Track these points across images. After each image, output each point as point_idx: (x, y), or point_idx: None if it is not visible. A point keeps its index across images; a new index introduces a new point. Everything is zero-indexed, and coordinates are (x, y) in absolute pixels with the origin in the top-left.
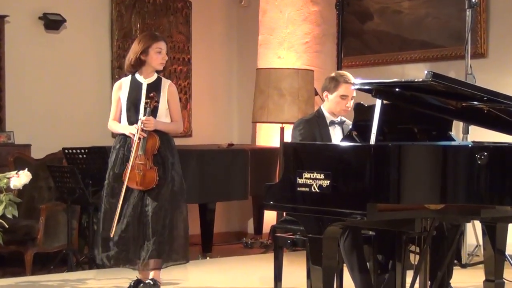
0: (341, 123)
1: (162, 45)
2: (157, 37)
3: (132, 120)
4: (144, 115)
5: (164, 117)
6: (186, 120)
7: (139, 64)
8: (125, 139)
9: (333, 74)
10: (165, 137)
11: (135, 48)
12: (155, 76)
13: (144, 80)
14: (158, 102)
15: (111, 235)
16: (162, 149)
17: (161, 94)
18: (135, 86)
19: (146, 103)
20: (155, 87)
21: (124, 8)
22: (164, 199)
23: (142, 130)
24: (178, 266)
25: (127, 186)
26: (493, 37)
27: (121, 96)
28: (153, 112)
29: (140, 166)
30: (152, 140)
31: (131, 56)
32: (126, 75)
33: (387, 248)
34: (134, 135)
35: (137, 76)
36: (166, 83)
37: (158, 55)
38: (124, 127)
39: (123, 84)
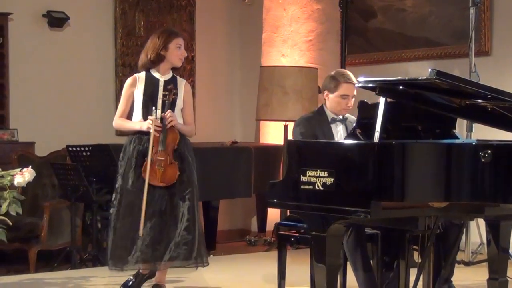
0: (343, 120)
1: (181, 41)
2: (176, 33)
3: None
4: (163, 108)
5: (178, 117)
6: None
7: (158, 60)
8: (140, 138)
9: (333, 73)
10: (181, 134)
11: (154, 43)
12: (170, 74)
13: (161, 77)
14: (176, 95)
15: (140, 235)
16: (180, 145)
17: (178, 92)
18: (151, 82)
19: (164, 95)
20: (171, 84)
21: (127, 6)
22: (188, 197)
23: (159, 125)
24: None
25: (149, 184)
26: (497, 35)
27: (136, 92)
28: (171, 107)
29: (161, 162)
30: (172, 135)
31: (149, 52)
32: (138, 71)
33: (391, 247)
34: (150, 128)
35: (153, 72)
36: (182, 82)
37: (178, 50)
38: (137, 124)
39: (138, 80)
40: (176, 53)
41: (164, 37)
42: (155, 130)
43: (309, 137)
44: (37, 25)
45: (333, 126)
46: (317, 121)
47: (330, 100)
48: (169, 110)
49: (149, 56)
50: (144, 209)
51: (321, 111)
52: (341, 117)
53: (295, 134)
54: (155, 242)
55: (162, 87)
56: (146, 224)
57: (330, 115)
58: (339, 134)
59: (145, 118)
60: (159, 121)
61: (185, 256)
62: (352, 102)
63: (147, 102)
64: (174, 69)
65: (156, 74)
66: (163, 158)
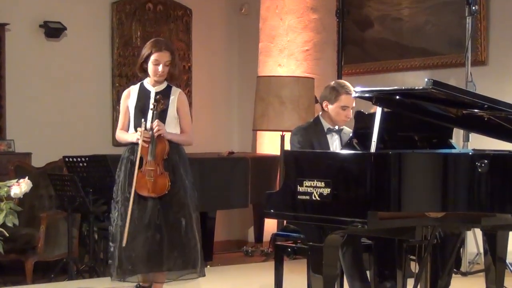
0: (339, 131)
1: (159, 56)
2: (159, 48)
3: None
4: (152, 118)
5: (173, 127)
6: None
7: (142, 71)
8: (133, 148)
9: (333, 84)
10: (173, 144)
11: (140, 54)
12: (164, 84)
13: (153, 88)
14: (165, 105)
15: (123, 244)
16: (172, 155)
17: (170, 101)
18: (143, 94)
19: (153, 105)
20: (164, 95)
21: (124, 16)
22: (181, 209)
23: (147, 136)
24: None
25: (140, 195)
26: (493, 44)
27: (129, 104)
28: (161, 118)
29: (150, 172)
30: (161, 145)
31: (138, 60)
32: (134, 83)
33: (388, 257)
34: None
35: (146, 83)
36: (176, 91)
37: (155, 67)
38: (130, 135)
39: (132, 92)
40: (152, 68)
41: (146, 49)
42: (143, 141)
43: (307, 146)
44: (34, 35)
45: (328, 136)
46: (313, 131)
47: (330, 111)
48: (156, 120)
49: (137, 64)
50: (128, 219)
51: (317, 122)
52: (336, 128)
53: (292, 143)
54: (151, 254)
55: (153, 98)
56: (141, 236)
57: (326, 126)
58: (335, 144)
59: (136, 130)
60: (148, 132)
61: (182, 267)
62: (351, 113)
63: (138, 114)
64: (174, 81)
65: (148, 86)
66: (152, 168)
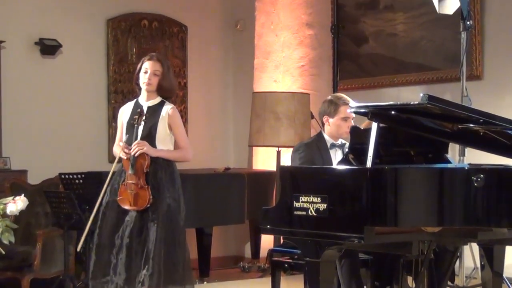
0: (341, 146)
1: (149, 65)
2: (149, 57)
3: (129, 143)
4: (132, 131)
5: (166, 143)
6: None
7: (138, 85)
8: (119, 159)
9: (330, 98)
10: (161, 160)
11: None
12: (158, 99)
13: (146, 103)
14: (155, 120)
15: (78, 249)
16: (157, 171)
17: (160, 117)
18: (136, 109)
19: (133, 119)
20: (155, 110)
21: (120, 33)
22: (162, 222)
23: (127, 150)
24: None
25: (122, 208)
26: (488, 59)
27: (123, 120)
28: (150, 133)
29: (131, 185)
30: (141, 158)
31: (134, 75)
32: (129, 99)
33: (385, 272)
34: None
35: (140, 99)
36: (167, 107)
37: (144, 75)
38: (117, 149)
39: (126, 108)
40: (141, 76)
41: (140, 62)
42: (123, 155)
43: (308, 162)
44: (29, 52)
45: (331, 152)
46: (316, 147)
47: (331, 124)
48: (136, 141)
49: (133, 79)
50: (88, 225)
51: (320, 137)
52: (339, 142)
53: (294, 160)
54: (127, 267)
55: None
56: (117, 251)
57: (329, 141)
58: (338, 159)
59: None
60: (128, 146)
61: (156, 283)
62: (352, 124)
63: (129, 129)
64: (167, 95)
65: (142, 101)
66: (133, 182)
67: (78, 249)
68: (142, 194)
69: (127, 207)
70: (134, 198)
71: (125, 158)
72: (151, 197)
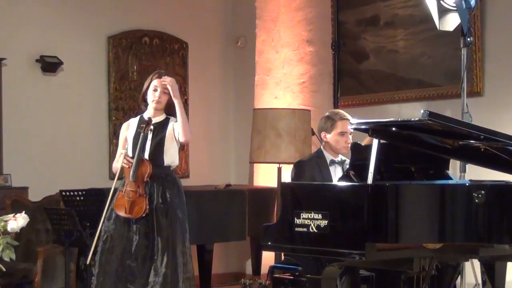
0: (341, 163)
1: (158, 83)
2: (158, 74)
3: (132, 155)
4: (140, 142)
5: (172, 152)
6: (184, 161)
7: (144, 102)
8: (121, 170)
9: (327, 114)
10: (165, 172)
11: (144, 84)
12: (163, 116)
13: (152, 119)
14: (162, 134)
15: (87, 262)
16: (165, 187)
17: (167, 131)
18: (141, 125)
19: (140, 127)
20: (162, 125)
21: (120, 50)
22: (160, 236)
23: (128, 159)
24: None
25: (119, 216)
26: (489, 75)
27: (128, 135)
28: (158, 147)
29: (130, 193)
30: (143, 166)
31: (141, 92)
32: (131, 116)
33: None
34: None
35: (145, 115)
36: (172, 121)
37: (153, 92)
38: (118, 160)
39: (131, 124)
40: (151, 94)
41: (148, 78)
42: (124, 163)
43: (308, 179)
44: (30, 70)
45: (331, 168)
46: (316, 163)
47: (329, 140)
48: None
49: (141, 95)
50: (96, 239)
51: (319, 154)
52: (339, 159)
53: (293, 177)
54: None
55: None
56: (111, 261)
57: (328, 158)
58: (338, 176)
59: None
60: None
61: None
62: (350, 139)
63: (135, 144)
64: (173, 112)
65: (146, 117)
66: (132, 189)
67: (88, 262)
68: (139, 202)
69: (122, 214)
70: (130, 206)
71: (127, 167)
72: (147, 206)
